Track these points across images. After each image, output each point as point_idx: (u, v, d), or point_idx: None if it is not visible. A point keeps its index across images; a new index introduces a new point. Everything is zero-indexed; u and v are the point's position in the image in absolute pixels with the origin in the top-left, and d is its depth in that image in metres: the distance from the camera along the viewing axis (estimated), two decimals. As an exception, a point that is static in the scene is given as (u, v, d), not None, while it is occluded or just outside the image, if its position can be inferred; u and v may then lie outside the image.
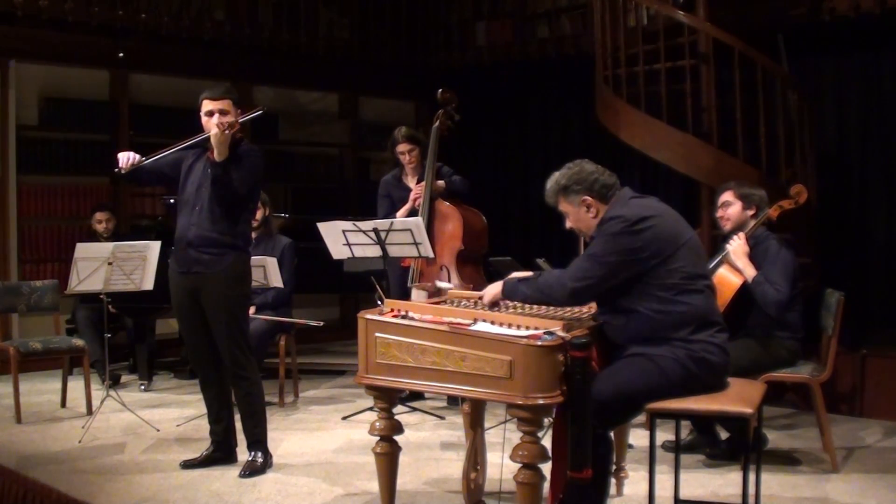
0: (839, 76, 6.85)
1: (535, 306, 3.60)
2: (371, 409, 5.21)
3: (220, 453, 4.58)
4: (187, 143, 4.44)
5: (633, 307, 3.27)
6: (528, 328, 3.12)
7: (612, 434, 3.41)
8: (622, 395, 3.21)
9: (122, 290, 5.42)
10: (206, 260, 4.37)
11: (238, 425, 4.60)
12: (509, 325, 3.17)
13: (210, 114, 4.40)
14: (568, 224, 3.53)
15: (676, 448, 3.91)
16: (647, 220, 3.27)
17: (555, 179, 3.48)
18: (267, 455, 4.52)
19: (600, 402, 3.10)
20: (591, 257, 3.29)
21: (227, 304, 4.40)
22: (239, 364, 4.45)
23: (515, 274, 3.59)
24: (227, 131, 4.27)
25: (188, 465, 4.53)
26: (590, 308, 3.59)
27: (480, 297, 3.58)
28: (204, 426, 4.79)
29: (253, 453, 4.47)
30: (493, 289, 3.51)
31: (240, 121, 4.39)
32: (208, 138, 4.32)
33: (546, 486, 3.20)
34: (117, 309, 6.28)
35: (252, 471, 4.40)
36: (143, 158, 4.38)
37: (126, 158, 4.38)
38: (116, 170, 4.43)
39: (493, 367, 3.01)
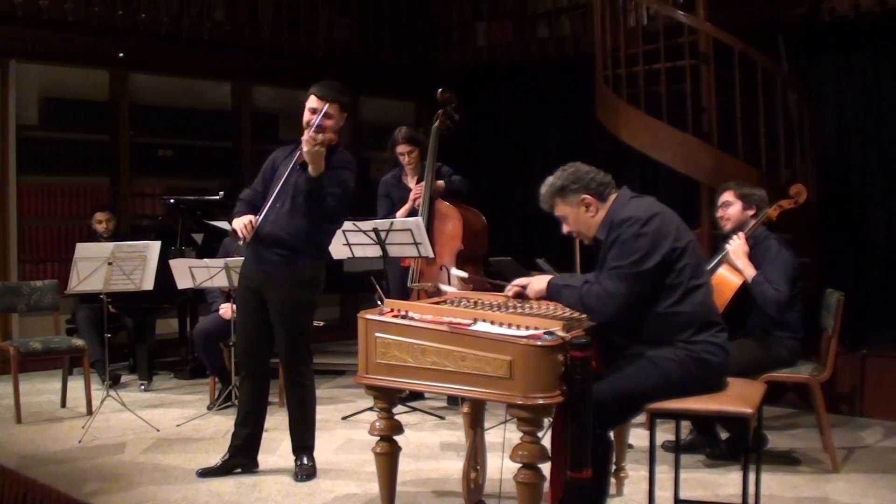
0: (839, 76, 6.85)
1: (535, 306, 3.60)
2: (371, 409, 5.22)
3: (239, 459, 4.44)
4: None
5: (640, 308, 3.24)
6: (528, 328, 3.11)
7: (611, 434, 3.41)
8: (622, 396, 3.21)
9: (122, 290, 5.42)
10: (274, 260, 4.23)
11: (264, 434, 4.54)
12: (509, 325, 3.16)
13: (313, 111, 4.16)
14: (565, 228, 3.45)
15: (676, 448, 3.91)
16: (656, 217, 3.25)
17: (549, 182, 3.40)
18: (313, 460, 4.45)
19: (600, 403, 3.09)
20: (618, 269, 3.18)
21: (291, 309, 4.27)
22: (297, 370, 4.36)
23: (560, 276, 3.44)
24: (318, 147, 4.02)
25: (206, 473, 4.38)
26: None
27: (523, 287, 3.42)
28: (204, 426, 4.80)
29: (304, 457, 4.39)
30: (539, 284, 3.37)
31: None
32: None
33: (546, 485, 3.20)
34: (117, 309, 6.27)
35: (308, 475, 4.34)
36: (257, 218, 4.15)
37: (244, 227, 4.13)
38: (240, 242, 4.20)
39: (493, 367, 3.00)
